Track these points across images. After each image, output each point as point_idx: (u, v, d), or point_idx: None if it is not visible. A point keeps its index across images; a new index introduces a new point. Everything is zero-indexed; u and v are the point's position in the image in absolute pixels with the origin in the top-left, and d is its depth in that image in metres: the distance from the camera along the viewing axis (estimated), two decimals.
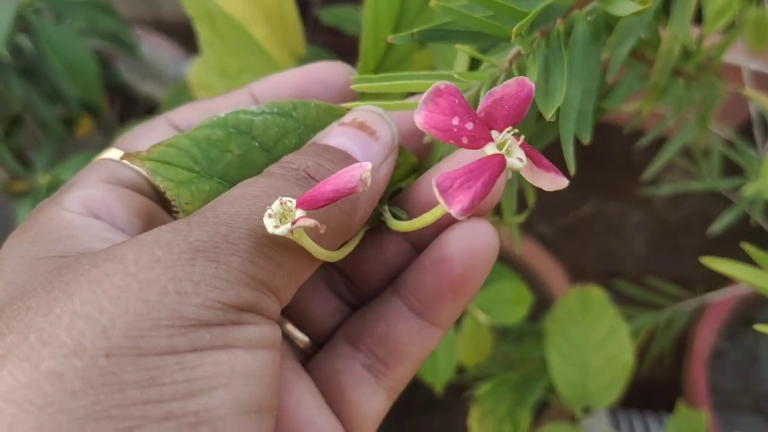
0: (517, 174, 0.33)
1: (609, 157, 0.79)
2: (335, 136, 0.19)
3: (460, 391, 0.48)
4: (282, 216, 0.15)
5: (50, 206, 0.18)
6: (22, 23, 0.41)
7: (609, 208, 0.80)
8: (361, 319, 0.20)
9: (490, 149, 0.15)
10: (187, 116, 0.20)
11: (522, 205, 0.28)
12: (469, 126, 0.15)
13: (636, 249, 0.78)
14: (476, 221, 0.19)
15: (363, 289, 0.21)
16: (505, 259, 0.53)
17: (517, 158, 0.15)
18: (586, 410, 0.44)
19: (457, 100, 0.15)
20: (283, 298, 0.16)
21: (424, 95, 0.15)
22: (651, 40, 0.30)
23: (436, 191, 0.14)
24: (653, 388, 0.52)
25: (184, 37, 0.70)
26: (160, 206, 0.19)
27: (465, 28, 0.20)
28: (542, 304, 0.53)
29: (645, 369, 0.46)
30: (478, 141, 0.15)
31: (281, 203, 0.15)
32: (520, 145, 0.15)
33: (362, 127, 0.19)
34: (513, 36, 0.18)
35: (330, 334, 0.21)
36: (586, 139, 0.22)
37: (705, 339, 0.52)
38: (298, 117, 0.19)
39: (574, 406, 0.41)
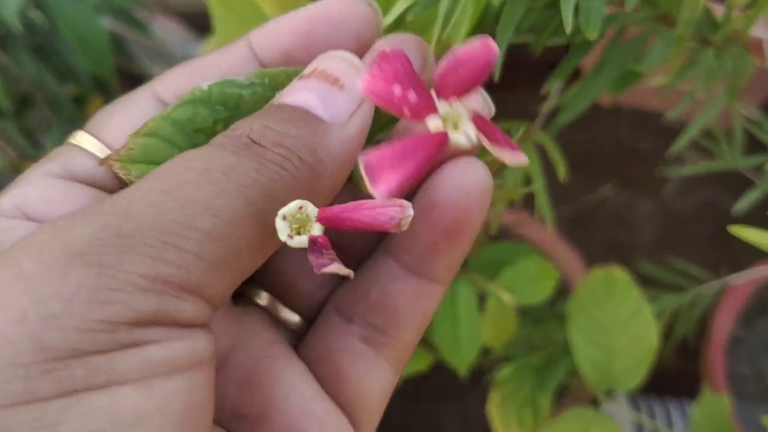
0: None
1: (618, 144, 0.78)
2: (293, 91, 0.15)
3: (479, 375, 0.47)
4: (298, 222, 0.14)
5: None
6: None
7: (618, 197, 0.79)
8: (351, 288, 0.18)
9: (432, 123, 0.14)
10: (173, 84, 0.17)
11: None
12: (412, 96, 0.14)
13: (645, 239, 0.78)
14: (465, 159, 0.16)
15: (351, 254, 0.19)
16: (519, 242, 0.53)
17: (464, 134, 0.14)
18: (609, 394, 0.43)
19: (401, 67, 0.14)
20: (213, 295, 0.13)
21: (368, 57, 0.14)
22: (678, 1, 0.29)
23: (361, 168, 0.13)
24: (672, 374, 0.52)
25: (191, 21, 0.69)
26: None
27: None
28: (560, 290, 0.52)
29: (665, 354, 0.46)
30: (420, 112, 0.14)
31: (300, 208, 0.14)
32: (473, 118, 0.14)
33: (324, 76, 0.16)
34: None
35: (320, 307, 0.18)
36: (593, 33, 0.21)
37: (724, 325, 0.52)
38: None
39: (598, 388, 0.40)
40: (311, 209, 0.14)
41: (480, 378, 0.47)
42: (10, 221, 0.15)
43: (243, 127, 0.15)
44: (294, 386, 0.17)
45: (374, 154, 0.13)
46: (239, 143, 0.14)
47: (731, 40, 0.34)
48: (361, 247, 0.18)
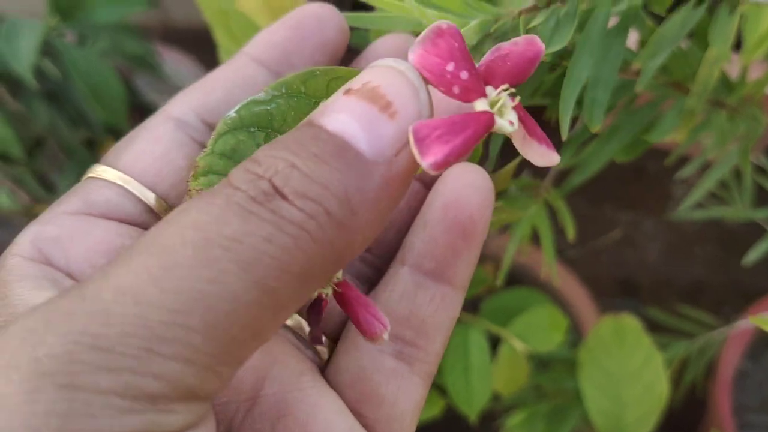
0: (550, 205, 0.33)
1: (626, 168, 0.79)
2: (334, 111, 0.13)
3: (489, 421, 0.47)
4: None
5: (7, 250, 0.16)
6: (46, 47, 0.40)
7: (622, 217, 0.79)
8: (377, 302, 0.18)
9: (480, 105, 0.14)
10: (186, 104, 0.18)
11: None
12: (464, 75, 0.13)
13: (650, 258, 0.78)
14: (463, 164, 0.17)
15: (376, 251, 0.19)
16: (533, 283, 0.53)
17: (508, 120, 0.14)
18: None
19: (457, 44, 0.13)
20: (209, 393, 0.12)
21: (424, 32, 0.13)
22: (693, 70, 0.29)
23: (411, 138, 0.12)
24: (681, 420, 0.52)
25: (193, 43, 0.69)
26: (145, 230, 0.17)
27: None
28: (569, 327, 0.52)
29: (674, 400, 0.46)
30: (470, 93, 0.13)
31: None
32: (514, 107, 0.14)
33: (373, 96, 0.13)
34: None
35: (345, 324, 0.18)
36: (596, 127, 0.21)
37: (730, 361, 0.52)
38: (308, 91, 0.17)
39: None
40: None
41: (490, 424, 0.48)
42: (27, 266, 0.15)
43: (268, 163, 0.13)
44: (329, 422, 0.16)
45: (425, 125, 0.13)
46: (256, 192, 0.12)
47: (746, 100, 0.34)
48: (390, 239, 0.19)
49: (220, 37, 0.33)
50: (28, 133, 0.44)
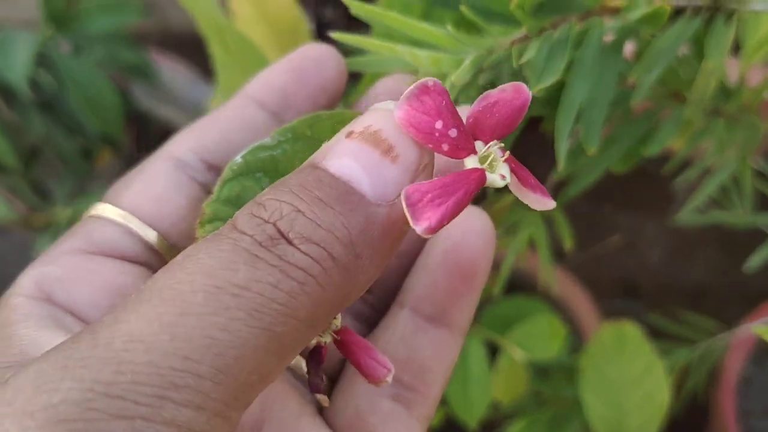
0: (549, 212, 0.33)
1: (628, 171, 0.78)
2: (337, 155, 0.14)
3: (489, 430, 0.47)
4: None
5: (10, 290, 0.16)
6: (41, 57, 0.40)
7: (624, 219, 0.79)
8: (376, 345, 0.17)
9: (470, 162, 0.13)
10: (186, 144, 0.18)
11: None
12: (453, 133, 0.13)
13: (652, 261, 0.77)
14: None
15: (376, 293, 0.19)
16: (533, 289, 0.53)
17: (499, 175, 0.14)
18: None
19: (444, 102, 0.13)
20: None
21: (409, 89, 0.13)
22: (690, 79, 0.29)
23: (403, 203, 0.12)
24: (683, 422, 0.52)
25: (192, 50, 0.69)
26: (147, 268, 0.17)
27: (478, 2, 0.19)
28: (569, 331, 0.52)
29: (675, 407, 0.46)
30: (459, 151, 0.13)
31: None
32: (506, 160, 0.14)
33: (374, 141, 0.13)
34: (513, 6, 0.17)
35: (344, 364, 0.18)
36: (591, 149, 0.21)
37: (734, 367, 0.52)
38: (314, 135, 0.17)
39: None
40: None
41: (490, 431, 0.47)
42: (30, 305, 0.15)
43: (273, 207, 0.13)
44: None
45: (416, 188, 0.13)
46: (262, 237, 0.12)
47: (744, 108, 0.34)
48: (391, 281, 0.19)
49: (215, 50, 0.33)
50: (23, 143, 0.44)
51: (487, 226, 0.18)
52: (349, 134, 0.14)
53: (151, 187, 0.17)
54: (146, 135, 0.57)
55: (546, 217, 0.33)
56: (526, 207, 0.31)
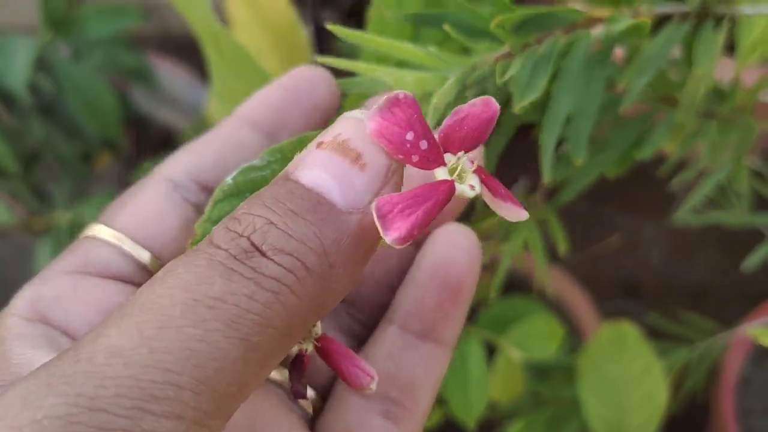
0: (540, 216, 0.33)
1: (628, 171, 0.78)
2: (307, 166, 0.14)
3: (488, 430, 0.47)
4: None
5: (5, 310, 0.16)
6: (40, 62, 0.41)
7: (624, 220, 0.79)
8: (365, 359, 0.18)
9: (440, 173, 0.14)
10: (180, 166, 0.18)
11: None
12: (423, 144, 0.14)
13: (652, 261, 0.77)
14: (453, 225, 0.18)
15: (366, 309, 0.19)
16: (531, 289, 0.53)
17: (468, 185, 0.14)
18: None
19: (415, 114, 0.14)
20: None
21: (381, 101, 0.14)
22: (682, 82, 0.29)
23: (374, 214, 0.13)
24: (682, 421, 0.52)
25: (192, 53, 0.69)
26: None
27: (462, 21, 0.19)
28: (568, 332, 0.52)
29: (674, 407, 0.46)
30: (430, 163, 0.14)
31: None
32: (475, 171, 0.14)
33: (342, 150, 0.14)
34: (493, 26, 0.17)
35: (334, 380, 0.19)
36: (578, 160, 0.21)
37: (733, 367, 0.52)
38: None
39: None
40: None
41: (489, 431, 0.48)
42: (24, 326, 0.15)
43: (247, 221, 0.13)
44: None
45: (386, 200, 0.13)
46: (237, 251, 0.13)
47: (737, 109, 0.34)
48: (377, 298, 0.19)
49: (210, 55, 0.33)
50: (23, 148, 0.44)
51: (474, 244, 0.18)
52: (319, 144, 0.14)
53: (145, 208, 0.18)
54: (146, 138, 0.57)
55: (541, 220, 0.33)
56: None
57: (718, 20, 0.23)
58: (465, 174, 0.14)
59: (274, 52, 0.38)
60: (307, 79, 0.19)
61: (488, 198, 0.15)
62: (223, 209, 0.17)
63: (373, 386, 0.16)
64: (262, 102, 0.19)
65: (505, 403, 0.43)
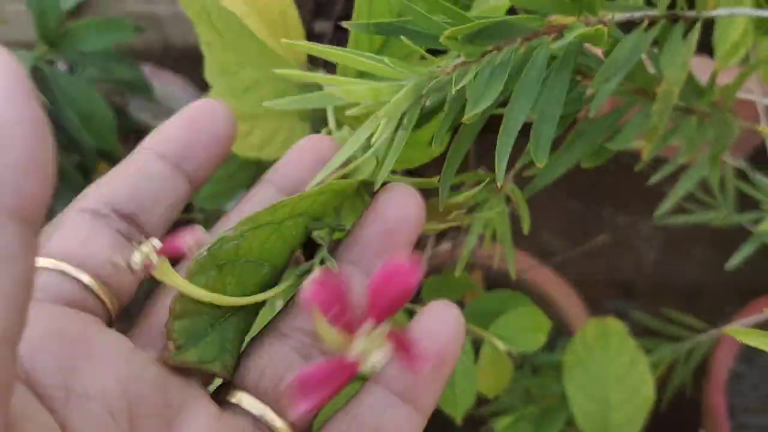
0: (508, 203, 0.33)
1: (614, 163, 0.79)
2: None
3: (477, 426, 0.48)
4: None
5: None
6: (35, 75, 0.42)
7: (617, 218, 0.79)
8: (346, 413, 0.19)
9: (353, 351, 0.16)
10: (98, 197, 0.19)
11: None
12: (345, 315, 0.16)
13: (645, 259, 0.78)
14: (442, 302, 0.20)
15: None
16: (518, 285, 0.54)
17: (373, 364, 0.16)
18: None
19: (339, 291, 0.16)
20: None
21: (314, 275, 0.16)
22: (658, 77, 0.29)
23: (296, 378, 0.16)
24: (670, 417, 0.52)
25: (192, 65, 0.70)
26: (86, 309, 0.18)
27: (421, 29, 0.20)
28: (558, 330, 0.53)
29: (662, 403, 0.46)
30: (350, 328, 0.16)
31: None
32: (389, 336, 0.16)
33: None
34: (443, 38, 0.18)
35: (312, 422, 0.20)
36: (541, 162, 0.22)
37: (724, 363, 0.52)
38: (274, 219, 0.19)
39: None
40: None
41: (478, 428, 0.48)
42: None
43: None
44: None
45: (307, 375, 0.16)
46: None
47: (717, 105, 0.34)
48: None
49: (202, 31, 0.33)
50: None
51: (458, 319, 0.19)
52: None
53: (74, 233, 0.18)
54: None
55: (511, 204, 0.33)
56: (489, 189, 0.31)
57: (691, 23, 0.24)
58: (375, 349, 0.16)
59: (268, 40, 0.38)
60: (206, 112, 0.20)
61: (399, 361, 0.17)
62: (198, 282, 0.18)
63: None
64: (168, 135, 0.20)
65: (492, 397, 0.43)
